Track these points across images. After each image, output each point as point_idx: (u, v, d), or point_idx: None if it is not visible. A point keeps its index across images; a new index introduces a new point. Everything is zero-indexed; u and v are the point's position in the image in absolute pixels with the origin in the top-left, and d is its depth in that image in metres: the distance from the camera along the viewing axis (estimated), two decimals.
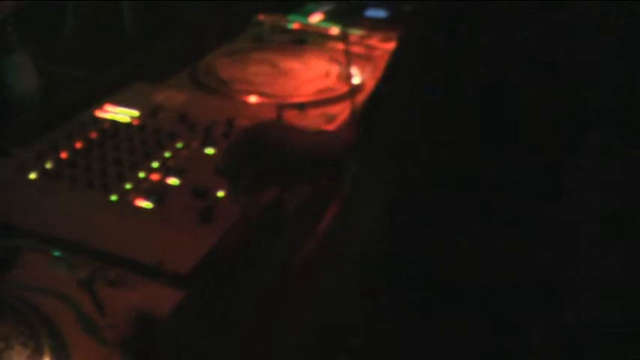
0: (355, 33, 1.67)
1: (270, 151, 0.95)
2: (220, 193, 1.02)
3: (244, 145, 0.97)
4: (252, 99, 1.33)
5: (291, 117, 1.23)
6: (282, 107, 1.25)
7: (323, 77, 1.43)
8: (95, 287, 0.83)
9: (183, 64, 1.46)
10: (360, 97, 1.36)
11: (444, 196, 0.73)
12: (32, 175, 1.05)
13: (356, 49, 1.57)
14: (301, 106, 1.28)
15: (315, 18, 1.78)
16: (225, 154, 0.99)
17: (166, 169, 1.07)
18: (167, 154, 1.11)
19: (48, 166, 1.07)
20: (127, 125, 1.19)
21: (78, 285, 0.84)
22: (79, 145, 1.12)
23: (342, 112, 1.29)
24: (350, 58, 1.36)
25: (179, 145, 1.14)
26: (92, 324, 0.79)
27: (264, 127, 1.02)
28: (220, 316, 0.85)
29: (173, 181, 1.05)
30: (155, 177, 1.06)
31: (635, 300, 0.74)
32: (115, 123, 1.19)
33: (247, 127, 1.02)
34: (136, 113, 1.23)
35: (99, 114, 1.22)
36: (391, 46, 1.59)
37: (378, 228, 0.81)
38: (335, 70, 1.46)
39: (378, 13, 1.79)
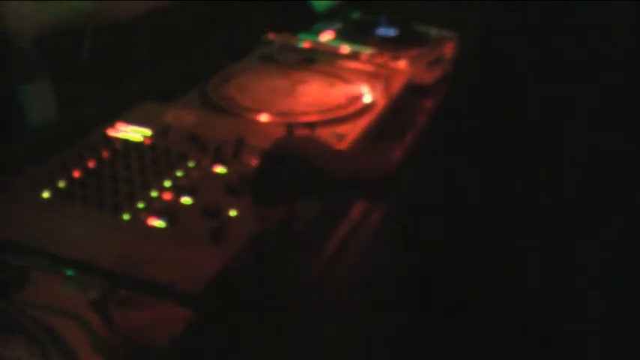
0: (365, 51, 1.68)
1: (304, 168, 0.97)
2: (232, 213, 1.02)
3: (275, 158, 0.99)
4: (263, 118, 1.33)
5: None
6: (292, 126, 1.25)
7: (333, 96, 1.43)
8: (106, 307, 0.83)
9: (193, 83, 1.46)
10: (371, 116, 1.37)
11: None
12: (44, 195, 1.05)
13: (366, 67, 1.57)
14: (312, 125, 1.28)
15: (326, 37, 1.79)
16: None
17: (178, 188, 1.08)
18: (179, 173, 1.11)
19: (60, 185, 1.07)
20: (139, 144, 1.20)
21: (89, 305, 0.84)
22: (91, 164, 1.13)
23: (351, 131, 1.29)
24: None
25: (191, 164, 1.14)
26: (103, 344, 0.79)
27: (301, 143, 1.03)
28: (231, 335, 0.85)
29: (186, 200, 1.05)
30: (168, 196, 1.06)
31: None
32: (126, 142, 1.20)
33: (281, 142, 1.04)
34: (148, 132, 1.23)
35: (111, 133, 1.23)
36: (401, 64, 1.61)
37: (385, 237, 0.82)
38: (345, 88, 1.46)
39: (388, 32, 1.80)
